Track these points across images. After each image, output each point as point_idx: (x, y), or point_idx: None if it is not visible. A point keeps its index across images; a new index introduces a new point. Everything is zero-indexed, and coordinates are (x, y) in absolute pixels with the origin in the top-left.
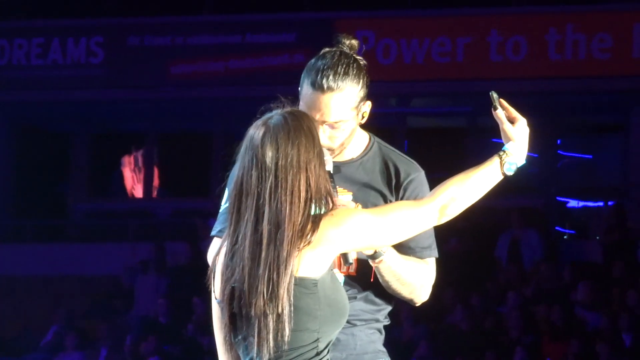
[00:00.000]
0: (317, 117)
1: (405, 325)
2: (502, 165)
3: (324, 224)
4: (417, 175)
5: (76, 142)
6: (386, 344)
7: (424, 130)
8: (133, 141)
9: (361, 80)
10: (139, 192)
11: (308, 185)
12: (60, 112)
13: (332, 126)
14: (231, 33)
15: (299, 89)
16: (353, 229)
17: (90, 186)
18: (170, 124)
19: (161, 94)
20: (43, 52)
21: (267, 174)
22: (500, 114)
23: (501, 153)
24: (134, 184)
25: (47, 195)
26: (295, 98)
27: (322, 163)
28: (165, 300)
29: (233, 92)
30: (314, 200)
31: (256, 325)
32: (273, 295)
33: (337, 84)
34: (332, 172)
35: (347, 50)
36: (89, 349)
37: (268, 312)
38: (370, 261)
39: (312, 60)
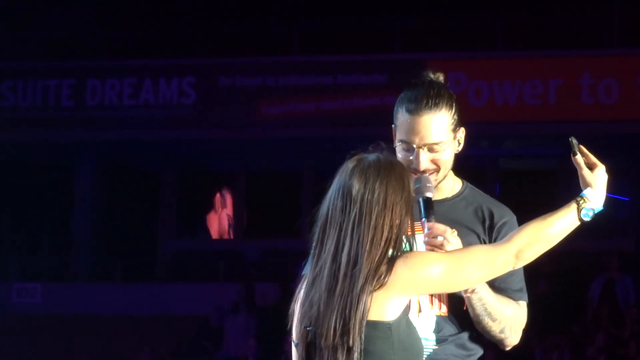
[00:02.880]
0: (417, 141)
1: None
2: (579, 211)
3: (398, 266)
4: (510, 218)
5: (165, 181)
6: None
7: (516, 172)
8: (222, 180)
9: (454, 104)
10: (226, 233)
11: (391, 225)
12: (151, 151)
13: (431, 148)
14: (322, 73)
15: (393, 123)
16: (428, 273)
17: (179, 225)
18: (259, 164)
19: (251, 134)
20: (135, 92)
21: (352, 206)
22: (579, 159)
23: (579, 199)
24: (220, 225)
25: (136, 234)
26: (388, 142)
27: (408, 211)
28: (255, 340)
29: (323, 132)
30: (393, 243)
31: (326, 358)
32: (345, 329)
33: (433, 106)
34: (431, 197)
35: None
36: None
37: (338, 345)
38: (462, 292)
39: (403, 93)
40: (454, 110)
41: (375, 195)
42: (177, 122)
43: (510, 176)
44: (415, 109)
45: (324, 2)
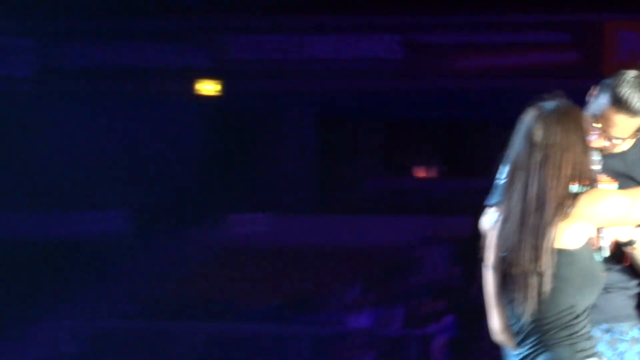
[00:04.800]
0: (610, 131)
1: None
2: None
3: (581, 201)
4: None
5: (373, 127)
6: (637, 307)
7: None
8: (422, 127)
9: None
10: (425, 172)
11: (573, 163)
12: (360, 101)
13: (615, 139)
14: (512, 31)
15: (593, 97)
16: (607, 208)
17: (384, 166)
18: (455, 113)
19: (447, 86)
20: (347, 47)
21: (537, 150)
22: None
23: None
24: (420, 165)
25: (345, 173)
26: (564, 93)
27: (586, 150)
28: (451, 267)
29: (509, 84)
30: (575, 179)
31: (521, 283)
32: (536, 257)
33: (638, 109)
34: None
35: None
36: (386, 308)
37: (530, 271)
38: (624, 248)
39: (612, 80)
40: None
41: (557, 139)
42: (385, 74)
43: None
44: (625, 107)
45: None
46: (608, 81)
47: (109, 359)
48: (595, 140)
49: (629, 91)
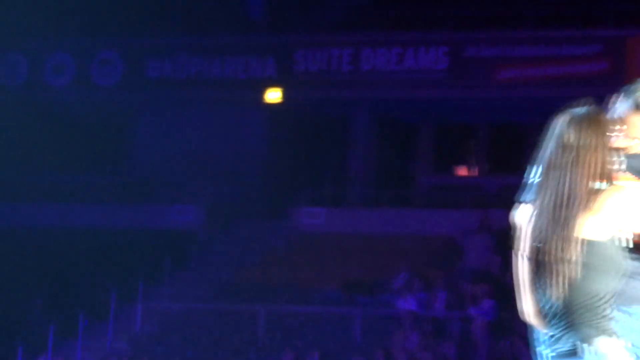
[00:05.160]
0: (631, 132)
1: None
2: None
3: (604, 195)
4: None
5: (424, 130)
6: None
7: None
8: (467, 131)
9: None
10: (470, 171)
11: (601, 163)
12: (412, 107)
13: (637, 139)
14: (546, 45)
15: (618, 103)
16: (628, 202)
17: (434, 164)
18: (496, 118)
19: (489, 94)
20: (400, 59)
21: (567, 151)
22: None
23: None
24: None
25: (399, 171)
26: (592, 100)
27: (610, 151)
28: (492, 255)
29: (546, 93)
30: (600, 177)
31: (552, 269)
32: (566, 245)
33: None
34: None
35: None
36: (430, 292)
37: (561, 258)
38: None
39: (632, 87)
40: None
41: (587, 141)
42: (433, 84)
43: None
44: None
45: None
46: (629, 88)
47: (186, 337)
48: (618, 141)
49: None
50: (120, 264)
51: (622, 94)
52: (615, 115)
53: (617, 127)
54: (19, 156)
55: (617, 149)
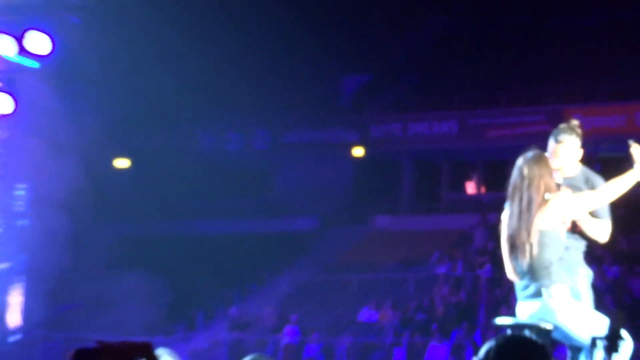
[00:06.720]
0: (553, 159)
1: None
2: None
3: (552, 200)
4: (599, 181)
5: (444, 167)
6: (584, 257)
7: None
8: (472, 166)
9: (578, 137)
10: (475, 190)
11: (544, 184)
12: (436, 154)
13: (561, 158)
14: (516, 116)
15: (549, 142)
16: (564, 203)
17: (451, 186)
18: (489, 158)
19: (484, 145)
20: (430, 127)
21: (525, 179)
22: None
23: (636, 165)
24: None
25: (430, 192)
26: (540, 148)
27: (552, 175)
28: (489, 240)
29: (515, 143)
30: (545, 191)
31: (520, 249)
32: (528, 234)
33: (563, 138)
34: (560, 182)
35: (570, 125)
36: (453, 262)
37: (526, 242)
38: (577, 222)
39: (555, 130)
40: (577, 139)
41: (535, 172)
42: (448, 140)
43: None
44: (556, 140)
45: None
46: (553, 131)
47: (311, 297)
48: (553, 164)
49: (556, 131)
50: (266, 254)
51: (550, 136)
52: (549, 150)
53: (551, 158)
54: (207, 188)
55: (556, 170)
